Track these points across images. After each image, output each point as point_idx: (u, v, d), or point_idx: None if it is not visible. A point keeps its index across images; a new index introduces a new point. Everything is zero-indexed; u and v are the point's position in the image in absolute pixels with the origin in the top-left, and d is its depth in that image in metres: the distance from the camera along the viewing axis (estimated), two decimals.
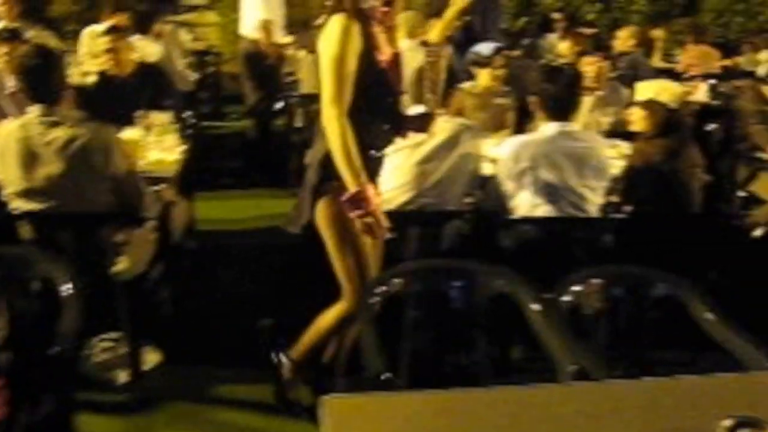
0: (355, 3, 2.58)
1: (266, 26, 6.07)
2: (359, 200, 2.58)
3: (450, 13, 5.65)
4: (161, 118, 4.20)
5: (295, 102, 5.91)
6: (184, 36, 7.10)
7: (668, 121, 3.83)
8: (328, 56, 2.54)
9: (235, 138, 7.32)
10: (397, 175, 3.39)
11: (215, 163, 6.61)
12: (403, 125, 2.90)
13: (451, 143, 3.38)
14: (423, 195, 3.40)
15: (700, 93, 7.51)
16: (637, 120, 3.96)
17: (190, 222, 4.44)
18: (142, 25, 5.80)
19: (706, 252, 3.80)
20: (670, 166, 3.80)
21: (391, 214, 3.36)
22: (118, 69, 4.63)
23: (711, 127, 6.35)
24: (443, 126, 3.41)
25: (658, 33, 9.68)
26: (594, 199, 3.47)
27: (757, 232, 5.16)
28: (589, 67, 5.06)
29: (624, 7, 11.15)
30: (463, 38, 5.67)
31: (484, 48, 4.91)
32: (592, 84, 5.05)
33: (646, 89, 3.96)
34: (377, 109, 2.71)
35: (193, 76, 6.65)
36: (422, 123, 3.06)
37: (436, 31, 5.84)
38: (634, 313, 2.63)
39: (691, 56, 8.97)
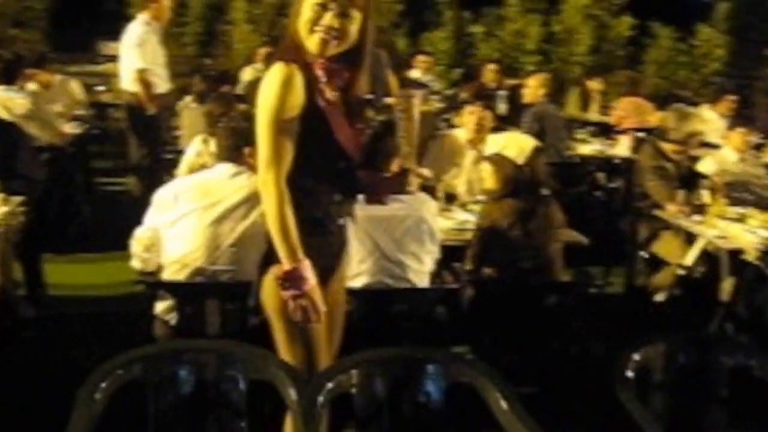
0: (299, 54, 2.25)
1: (143, 77, 5.73)
2: (295, 279, 2.24)
3: None
4: None
5: (176, 158, 5.52)
6: (76, 87, 6.74)
7: (517, 178, 3.46)
8: (264, 109, 2.20)
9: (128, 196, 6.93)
10: (187, 240, 3.01)
11: (97, 222, 6.19)
12: (368, 191, 2.50)
13: (251, 202, 2.99)
14: (216, 263, 3.01)
15: (621, 147, 7.22)
16: (486, 177, 3.60)
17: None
18: (9, 76, 5.42)
19: (560, 322, 3.43)
20: (523, 228, 3.43)
21: (180, 286, 3.06)
22: None
23: (616, 183, 6.05)
24: (243, 182, 3.05)
25: (594, 85, 9.45)
26: (419, 268, 3.08)
27: (659, 297, 4.81)
28: (469, 117, 4.73)
29: (565, 58, 10.97)
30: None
31: None
32: (472, 136, 4.72)
33: (494, 143, 3.61)
34: (325, 175, 2.34)
35: (77, 129, 6.24)
36: (398, 183, 2.60)
37: None
38: (413, 403, 2.25)
39: (623, 109, 8.71)
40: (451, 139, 4.82)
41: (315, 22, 2.20)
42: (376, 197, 2.56)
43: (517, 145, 3.51)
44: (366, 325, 2.99)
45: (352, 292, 2.95)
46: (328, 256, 2.44)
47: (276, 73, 2.21)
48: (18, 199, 4.16)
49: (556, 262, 3.49)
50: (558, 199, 5.92)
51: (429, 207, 3.17)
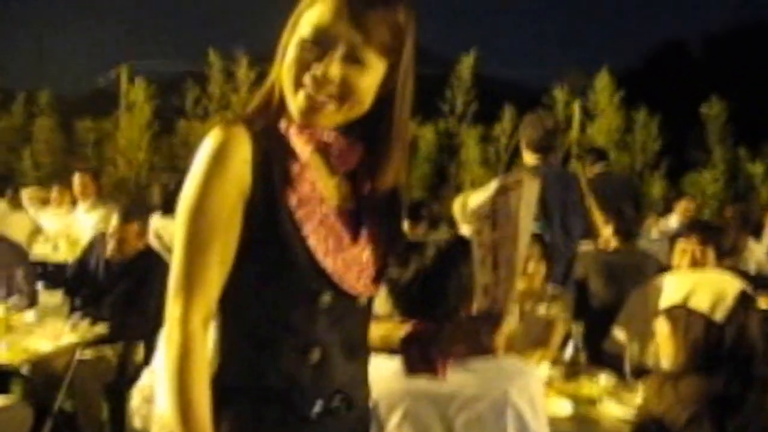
0: (266, 112, 1.38)
1: None
2: None
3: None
4: (49, 296, 3.61)
5: None
6: None
7: (711, 344, 2.10)
8: (181, 205, 1.33)
9: None
10: None
11: None
12: (410, 353, 1.52)
13: None
14: None
15: None
16: (661, 341, 2.25)
17: None
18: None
19: None
20: (718, 427, 2.03)
21: None
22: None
23: None
24: None
25: None
26: None
27: None
28: (681, 255, 3.38)
29: None
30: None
31: None
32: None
33: (678, 286, 2.26)
34: (291, 318, 1.35)
35: None
36: (471, 339, 1.50)
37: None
38: None
39: None
40: (658, 289, 3.45)
41: (303, 67, 1.30)
42: (424, 364, 1.50)
43: (713, 289, 2.13)
44: None
45: None
46: None
47: (209, 143, 1.30)
48: (99, 329, 3.66)
49: None
50: None
51: (525, 384, 1.88)
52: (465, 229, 4.31)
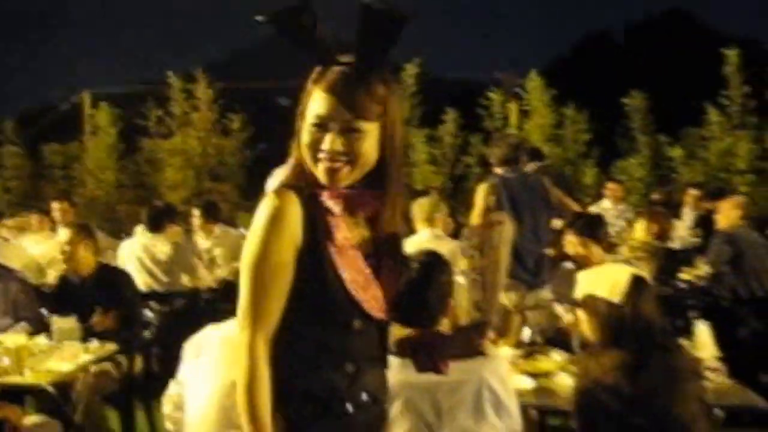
0: (306, 179, 1.78)
1: None
2: None
3: (480, 193, 4.86)
4: (62, 322, 3.92)
5: None
6: (236, 237, 6.81)
7: (614, 321, 2.75)
8: (247, 251, 1.74)
9: None
10: (200, 404, 2.58)
11: None
12: (418, 355, 1.97)
13: None
14: None
15: None
16: (582, 325, 2.91)
17: None
18: (154, 224, 5.68)
19: None
20: (634, 386, 2.67)
21: None
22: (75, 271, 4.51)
23: None
24: None
25: None
26: None
27: None
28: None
29: None
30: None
31: None
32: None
33: (585, 280, 2.89)
34: (329, 339, 1.78)
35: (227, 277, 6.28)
36: (463, 343, 2.00)
37: (475, 215, 5.03)
38: None
39: None
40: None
41: (316, 146, 1.73)
42: (431, 365, 1.95)
43: (609, 279, 2.72)
44: None
45: None
46: None
47: (265, 205, 1.73)
48: (111, 347, 4.07)
49: (692, 428, 2.60)
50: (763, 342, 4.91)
51: (495, 367, 2.46)
52: (421, 228, 4.77)
